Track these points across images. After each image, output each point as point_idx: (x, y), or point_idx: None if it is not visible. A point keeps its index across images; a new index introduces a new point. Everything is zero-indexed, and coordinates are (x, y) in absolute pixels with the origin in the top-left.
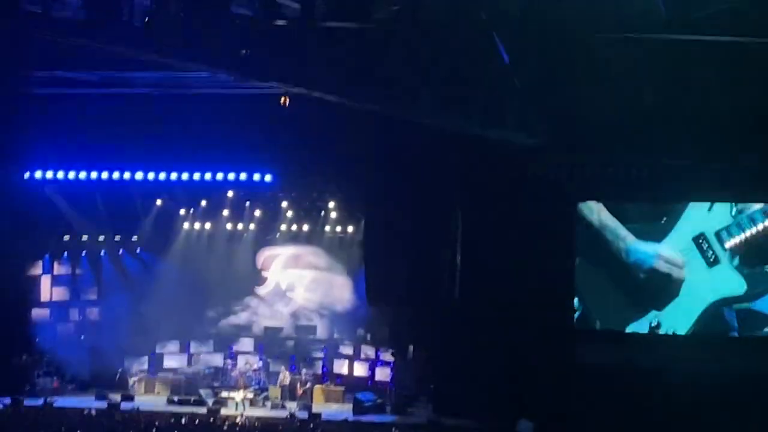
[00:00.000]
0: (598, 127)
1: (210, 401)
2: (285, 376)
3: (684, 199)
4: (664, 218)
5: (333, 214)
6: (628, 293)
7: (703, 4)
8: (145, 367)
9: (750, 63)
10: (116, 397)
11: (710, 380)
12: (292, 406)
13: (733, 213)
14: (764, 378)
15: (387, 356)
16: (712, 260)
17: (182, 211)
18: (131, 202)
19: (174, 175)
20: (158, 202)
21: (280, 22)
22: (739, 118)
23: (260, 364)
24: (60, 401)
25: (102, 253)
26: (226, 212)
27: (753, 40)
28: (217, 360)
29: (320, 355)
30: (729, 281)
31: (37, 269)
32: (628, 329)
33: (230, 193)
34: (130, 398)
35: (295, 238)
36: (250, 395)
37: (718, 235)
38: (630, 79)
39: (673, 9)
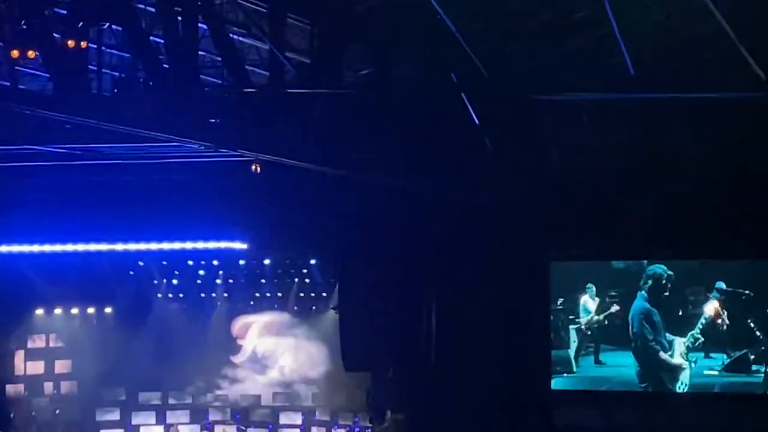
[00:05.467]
0: (569, 186)
1: None
2: None
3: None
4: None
5: (307, 280)
6: None
7: (670, 61)
8: None
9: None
10: None
11: None
12: None
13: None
14: None
15: (364, 422)
16: None
17: (155, 282)
18: (104, 275)
19: (146, 246)
20: (131, 273)
21: (250, 90)
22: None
23: None
24: None
25: (75, 325)
26: (199, 281)
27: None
28: (195, 430)
29: (298, 422)
30: None
31: (11, 344)
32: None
33: (203, 262)
34: None
35: (269, 306)
36: None
37: None
38: (599, 139)
39: (640, 67)
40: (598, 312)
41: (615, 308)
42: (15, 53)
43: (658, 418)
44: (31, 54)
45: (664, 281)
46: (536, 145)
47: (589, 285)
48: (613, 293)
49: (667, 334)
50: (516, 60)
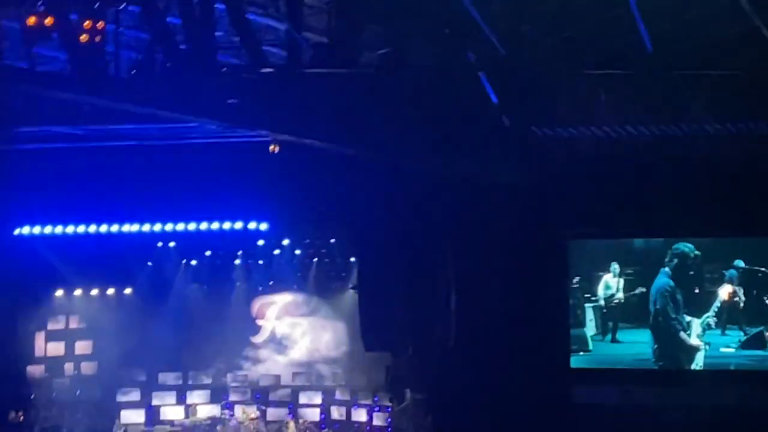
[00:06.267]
0: (587, 165)
1: None
2: (284, 425)
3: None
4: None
5: (326, 260)
6: None
7: (687, 37)
8: (143, 420)
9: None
10: None
11: (711, 415)
12: None
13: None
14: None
15: (384, 401)
16: None
17: (174, 263)
18: (123, 256)
19: (165, 227)
20: (150, 254)
21: (267, 70)
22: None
23: (258, 413)
24: None
25: (95, 307)
26: (218, 262)
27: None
28: (215, 410)
29: (318, 401)
30: None
31: (31, 325)
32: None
33: (222, 242)
34: None
35: (289, 286)
36: None
37: None
38: (615, 115)
39: (657, 44)
40: (620, 291)
41: (641, 289)
42: (32, 20)
43: (676, 395)
44: (48, 21)
45: (689, 261)
46: (554, 124)
47: (613, 263)
48: (630, 271)
49: (685, 315)
50: (533, 38)
